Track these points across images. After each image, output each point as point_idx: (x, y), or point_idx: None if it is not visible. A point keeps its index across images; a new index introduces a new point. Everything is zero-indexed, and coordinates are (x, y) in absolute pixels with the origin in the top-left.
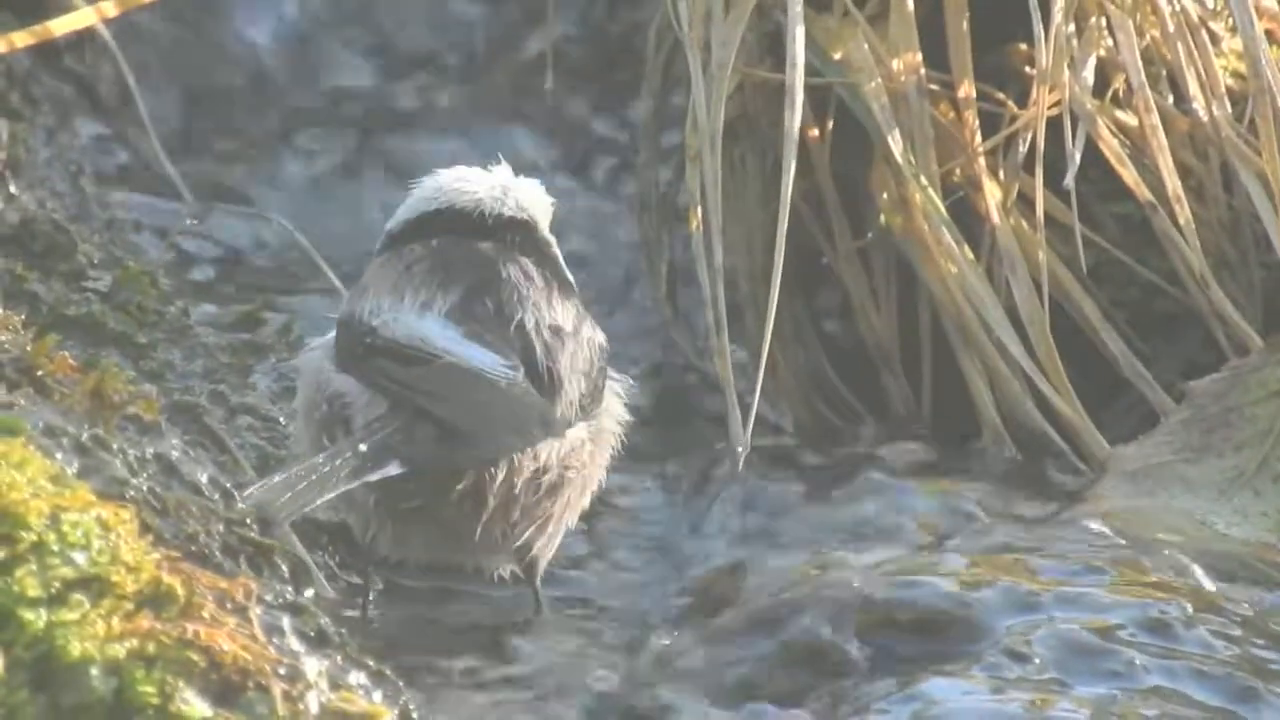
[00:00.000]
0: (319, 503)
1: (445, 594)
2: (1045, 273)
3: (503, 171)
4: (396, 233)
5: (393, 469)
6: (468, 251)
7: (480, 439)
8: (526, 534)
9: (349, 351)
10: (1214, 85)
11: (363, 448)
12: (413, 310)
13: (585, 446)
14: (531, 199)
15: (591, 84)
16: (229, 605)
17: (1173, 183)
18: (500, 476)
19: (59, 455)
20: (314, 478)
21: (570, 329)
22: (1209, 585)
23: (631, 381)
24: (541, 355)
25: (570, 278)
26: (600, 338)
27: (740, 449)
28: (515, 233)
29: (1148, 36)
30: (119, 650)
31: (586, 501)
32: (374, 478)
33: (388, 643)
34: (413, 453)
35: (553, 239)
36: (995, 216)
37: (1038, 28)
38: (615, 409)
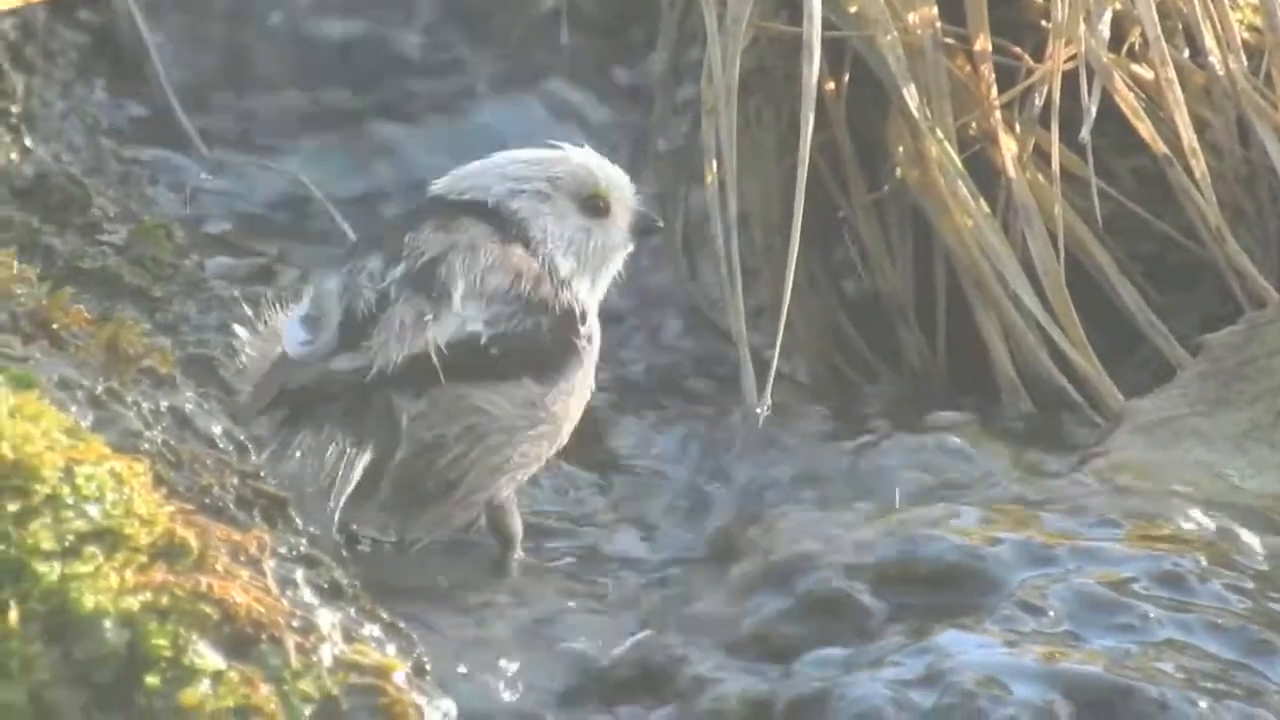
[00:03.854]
0: None
1: (460, 546)
2: (1061, 226)
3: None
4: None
5: None
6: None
7: None
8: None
9: None
10: (1230, 39)
11: None
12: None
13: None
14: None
15: (607, 38)
16: (242, 558)
17: (1188, 136)
18: None
19: (74, 408)
20: None
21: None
22: (1223, 538)
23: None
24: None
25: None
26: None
27: (759, 409)
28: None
29: None
30: (133, 603)
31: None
32: None
33: (400, 596)
34: None
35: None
36: (1011, 170)
37: None
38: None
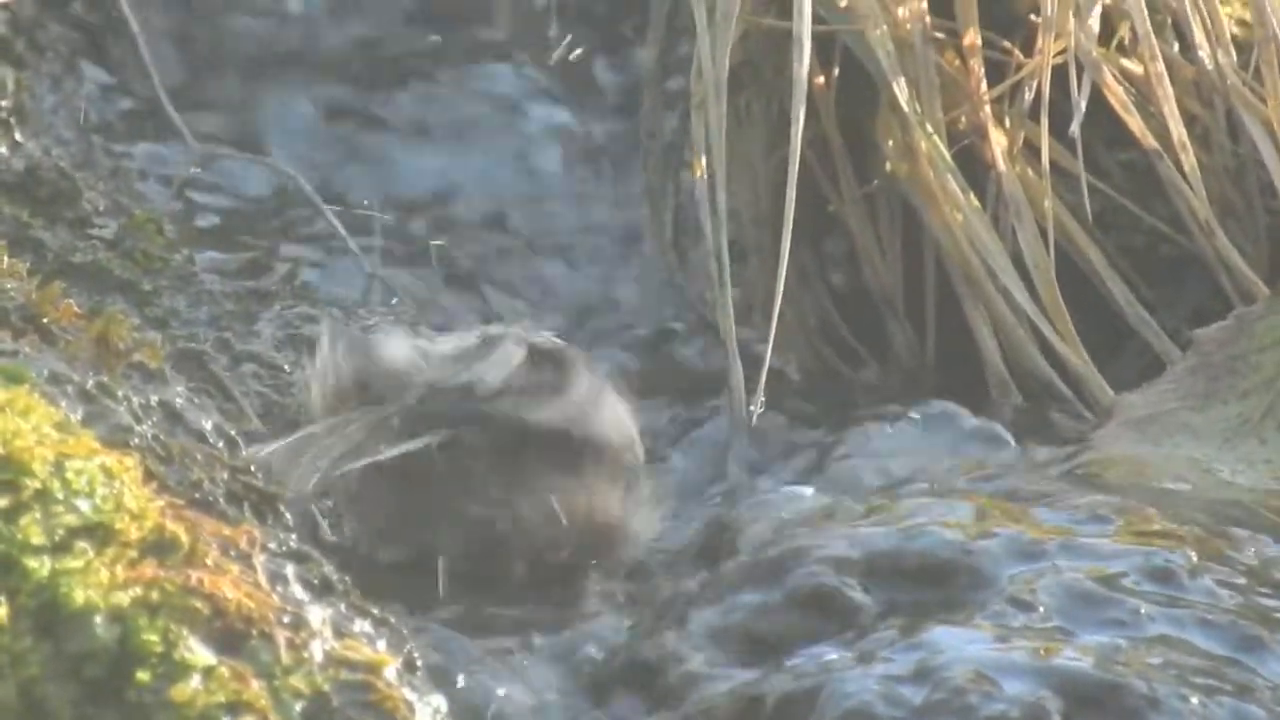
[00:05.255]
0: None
1: None
2: (1051, 220)
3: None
4: None
5: None
6: None
7: None
8: None
9: None
10: (1219, 33)
11: None
12: None
13: None
14: None
15: (596, 32)
16: (233, 553)
17: (1178, 130)
18: None
19: (63, 402)
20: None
21: None
22: (1214, 534)
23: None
24: None
25: None
26: None
27: (752, 406)
28: None
29: None
30: (123, 598)
31: None
32: None
33: (390, 592)
34: None
35: None
36: (1000, 164)
37: None
38: None
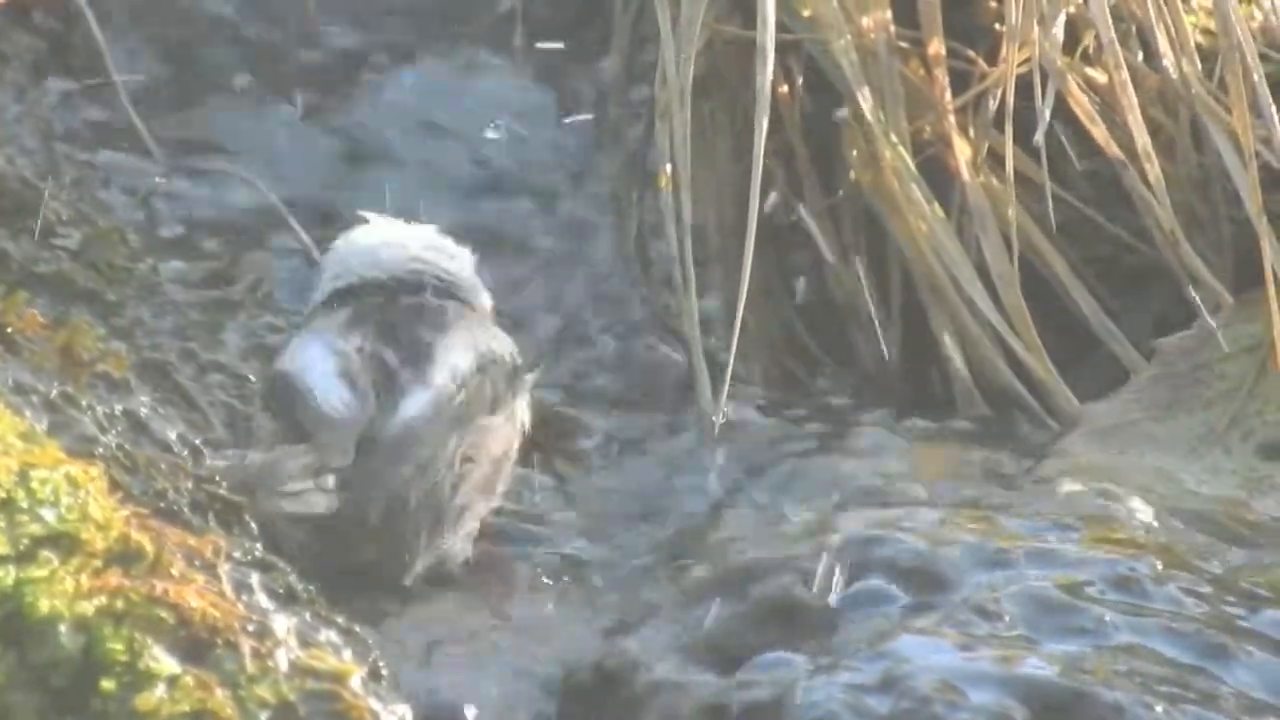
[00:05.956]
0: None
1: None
2: (1015, 229)
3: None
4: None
5: None
6: None
7: None
8: None
9: None
10: (1184, 42)
11: None
12: None
13: None
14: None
15: (561, 40)
16: (198, 562)
17: (1142, 140)
18: None
19: (28, 412)
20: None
21: None
22: (1178, 543)
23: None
24: None
25: None
26: None
27: (716, 417)
28: None
29: None
30: (88, 607)
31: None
32: None
33: (355, 600)
34: None
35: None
36: (965, 173)
37: None
38: None
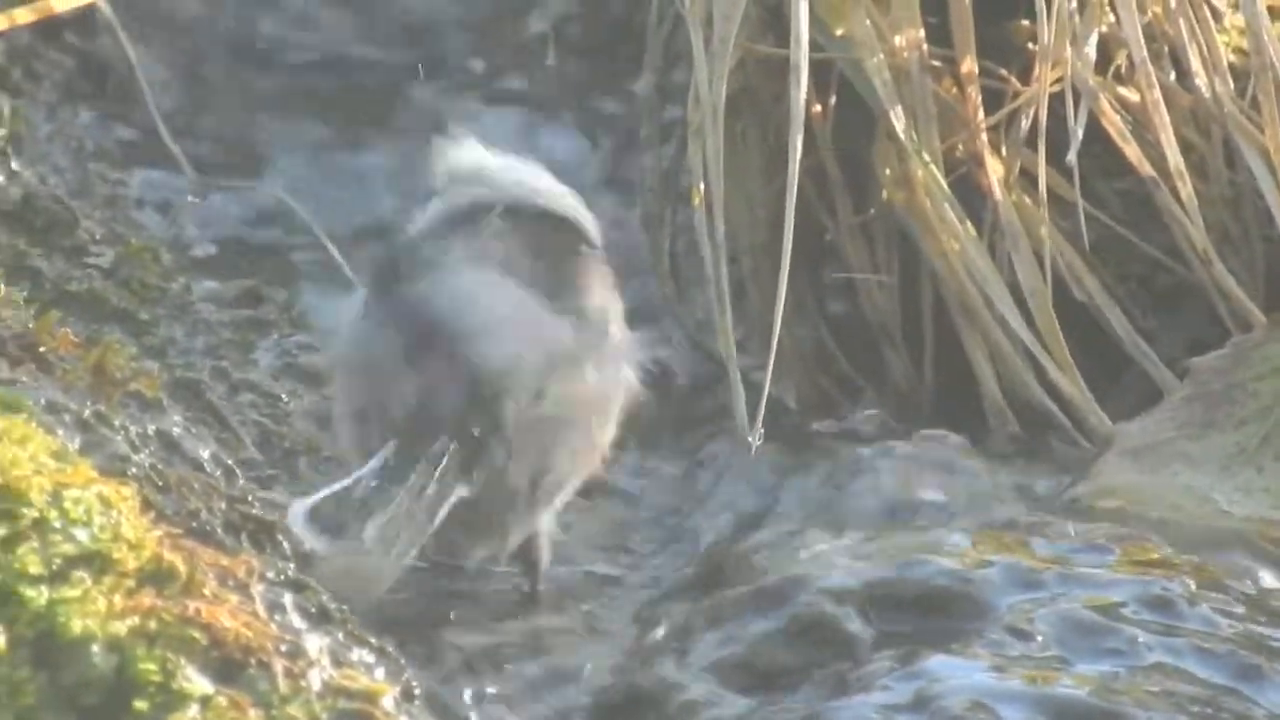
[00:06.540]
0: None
1: (443, 570)
2: (1048, 248)
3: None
4: None
5: None
6: None
7: None
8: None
9: None
10: (1216, 61)
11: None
12: None
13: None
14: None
15: (593, 60)
16: (230, 582)
17: (1175, 158)
18: None
19: (61, 432)
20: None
21: None
22: (1211, 563)
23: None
24: None
25: None
26: None
27: (752, 439)
28: None
29: (1149, 12)
30: (120, 627)
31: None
32: None
33: (388, 621)
34: None
35: None
36: (997, 192)
37: (1040, 4)
38: None
